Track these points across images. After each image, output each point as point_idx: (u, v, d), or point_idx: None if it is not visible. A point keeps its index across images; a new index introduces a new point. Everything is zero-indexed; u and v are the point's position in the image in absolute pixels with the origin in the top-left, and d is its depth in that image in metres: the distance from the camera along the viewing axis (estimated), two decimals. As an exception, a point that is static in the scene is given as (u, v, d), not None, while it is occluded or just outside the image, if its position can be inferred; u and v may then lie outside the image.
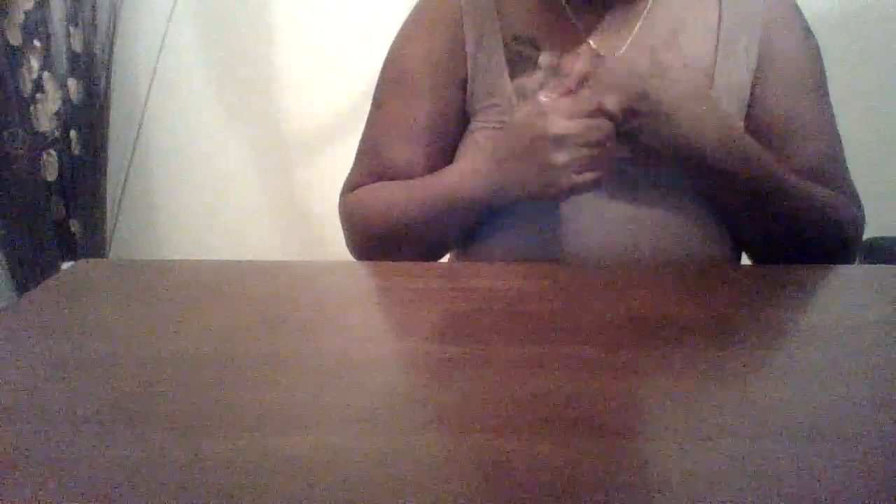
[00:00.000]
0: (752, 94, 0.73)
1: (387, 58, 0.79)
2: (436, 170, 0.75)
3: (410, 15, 0.79)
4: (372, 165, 0.78)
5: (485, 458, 0.35)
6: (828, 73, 0.79)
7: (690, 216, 0.70)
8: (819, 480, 0.34)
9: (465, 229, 0.73)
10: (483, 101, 0.74)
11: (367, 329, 0.54)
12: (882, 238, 1.78)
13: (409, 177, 0.75)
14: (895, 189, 1.75)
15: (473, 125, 0.75)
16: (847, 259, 0.74)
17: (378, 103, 0.79)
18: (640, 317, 0.53)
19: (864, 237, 1.90)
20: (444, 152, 0.77)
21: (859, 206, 0.75)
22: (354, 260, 0.78)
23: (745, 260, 0.76)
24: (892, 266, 0.68)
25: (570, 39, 0.73)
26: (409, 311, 0.56)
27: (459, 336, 0.50)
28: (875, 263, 1.69)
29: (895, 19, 1.66)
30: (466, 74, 0.75)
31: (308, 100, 1.77)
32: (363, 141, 0.80)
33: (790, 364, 0.46)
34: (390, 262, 0.70)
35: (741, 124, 0.73)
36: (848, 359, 0.47)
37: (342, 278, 0.66)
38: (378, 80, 0.79)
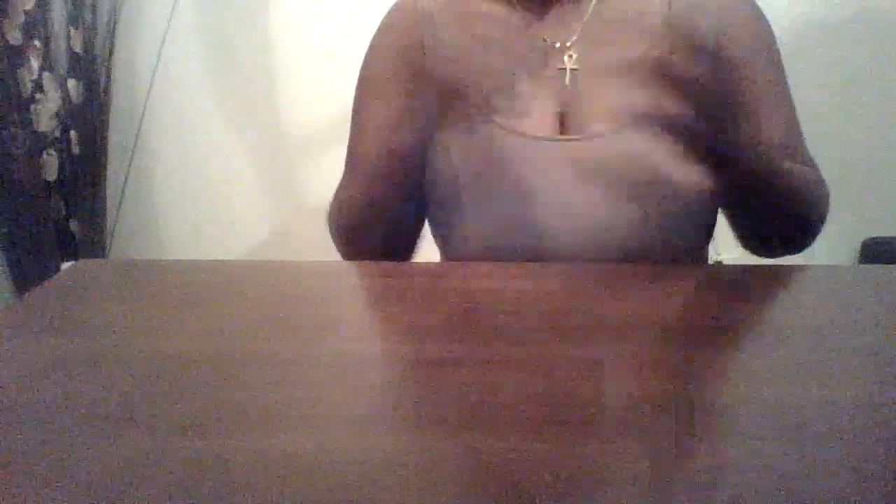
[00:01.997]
0: (712, 79, 0.74)
1: (359, 72, 0.82)
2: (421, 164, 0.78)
3: (375, 31, 0.82)
4: (353, 173, 0.81)
5: (484, 458, 0.35)
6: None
7: (664, 210, 0.71)
8: (818, 480, 0.34)
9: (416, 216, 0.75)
10: (446, 101, 0.76)
11: (367, 329, 0.54)
12: (882, 238, 1.78)
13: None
14: (895, 189, 1.76)
15: (440, 123, 0.77)
16: (817, 231, 0.78)
17: (355, 114, 0.82)
18: (639, 317, 0.53)
19: (864, 237, 1.90)
20: (423, 146, 0.79)
21: (822, 176, 0.80)
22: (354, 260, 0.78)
23: (741, 260, 0.76)
24: (891, 266, 0.68)
25: (523, 34, 0.76)
26: (409, 311, 0.56)
27: (459, 336, 0.50)
28: (875, 263, 1.69)
29: (893, 20, 1.66)
30: (430, 79, 0.77)
31: (308, 100, 1.78)
32: (347, 151, 0.82)
33: (789, 364, 0.46)
34: (390, 263, 0.70)
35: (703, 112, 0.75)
36: (847, 359, 0.47)
37: (342, 278, 0.66)
38: (354, 94, 0.82)
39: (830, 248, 1.86)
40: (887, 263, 0.87)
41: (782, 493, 0.33)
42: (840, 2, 1.67)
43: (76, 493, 0.33)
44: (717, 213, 0.77)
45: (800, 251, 0.81)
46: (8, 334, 0.52)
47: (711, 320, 0.53)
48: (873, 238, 1.74)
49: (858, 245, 1.75)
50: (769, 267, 0.67)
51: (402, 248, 0.82)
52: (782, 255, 0.82)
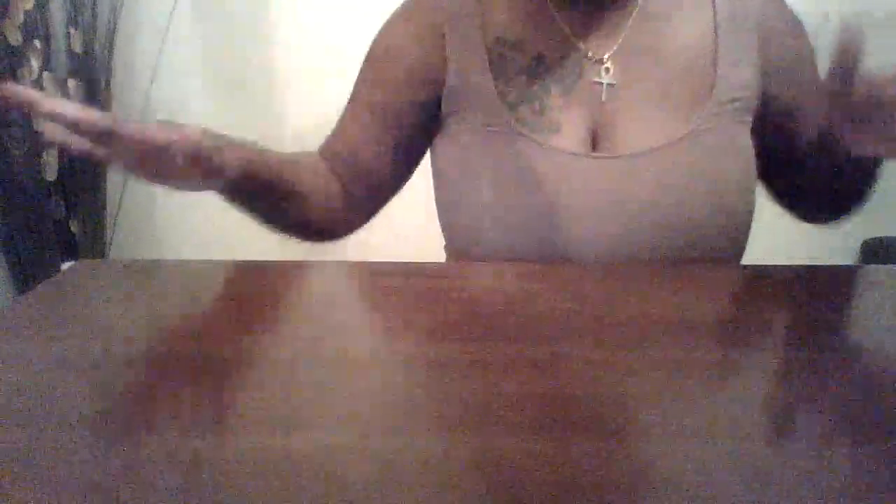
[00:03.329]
0: (762, 93, 0.74)
1: (369, 46, 0.81)
2: (388, 158, 0.78)
3: (397, 9, 0.80)
4: (331, 141, 0.81)
5: (485, 458, 0.35)
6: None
7: (699, 233, 0.69)
8: (818, 481, 0.34)
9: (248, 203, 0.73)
10: (466, 102, 0.74)
11: (367, 329, 0.54)
12: (882, 238, 1.78)
13: (360, 158, 0.78)
14: (895, 189, 1.75)
15: (455, 126, 0.75)
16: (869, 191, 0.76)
17: (354, 87, 0.81)
18: (640, 317, 0.53)
19: (864, 237, 1.90)
20: (400, 144, 0.78)
21: None
22: (353, 260, 0.78)
23: (743, 260, 0.76)
24: (891, 266, 0.68)
25: (556, 42, 0.73)
26: (409, 311, 0.56)
27: (459, 336, 0.50)
28: (875, 263, 1.69)
29: (892, 19, 1.66)
30: (443, 75, 0.75)
31: (308, 99, 1.78)
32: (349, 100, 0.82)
33: (790, 364, 0.46)
34: (390, 263, 0.70)
35: (748, 128, 0.73)
36: (848, 358, 0.47)
37: (342, 278, 0.66)
38: (363, 62, 0.81)
39: (830, 248, 1.86)
40: (887, 263, 0.87)
41: (782, 493, 0.33)
42: (841, 1, 1.67)
43: (76, 494, 0.33)
44: (749, 230, 0.75)
45: (847, 215, 0.80)
46: (8, 334, 0.52)
47: (711, 320, 0.53)
48: (873, 238, 1.74)
49: (858, 245, 1.75)
50: (769, 267, 0.67)
51: (337, 218, 0.80)
52: (827, 219, 0.82)
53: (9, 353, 0.48)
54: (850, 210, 0.79)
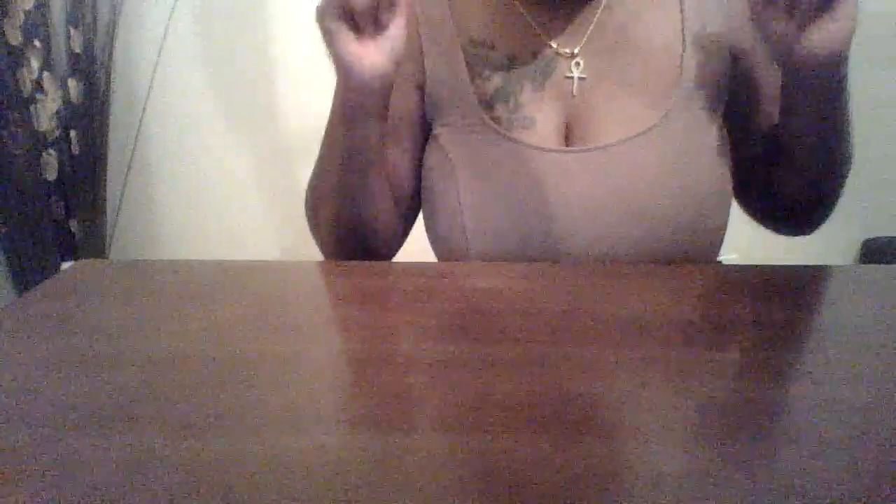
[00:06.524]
0: (734, 84, 0.75)
1: None
2: (404, 168, 0.79)
3: None
4: None
5: (485, 458, 0.35)
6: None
7: (675, 222, 0.70)
8: (818, 481, 0.34)
9: (367, 143, 0.71)
10: (444, 104, 0.75)
11: (367, 329, 0.54)
12: (882, 238, 1.78)
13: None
14: (895, 189, 1.76)
15: (437, 129, 0.76)
16: (836, 196, 0.77)
17: None
18: (640, 317, 0.53)
19: (864, 237, 1.90)
20: (410, 152, 0.79)
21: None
22: (354, 260, 0.78)
23: (740, 260, 0.76)
24: (891, 266, 0.68)
25: (526, 39, 0.74)
26: (409, 311, 0.56)
27: (459, 336, 0.50)
28: (875, 263, 1.69)
29: (890, 20, 1.66)
30: (424, 79, 0.76)
31: (308, 99, 1.78)
32: None
33: (790, 364, 0.46)
34: (390, 263, 0.70)
35: (719, 116, 0.75)
36: (848, 359, 0.47)
37: (342, 278, 0.66)
38: None
39: (830, 248, 1.86)
40: (887, 263, 0.87)
41: (782, 493, 0.33)
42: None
43: (76, 493, 0.33)
44: (728, 215, 0.76)
45: (815, 227, 0.80)
46: (8, 334, 0.52)
47: (710, 320, 0.53)
48: (873, 238, 1.74)
49: (858, 245, 1.75)
50: (769, 267, 0.67)
51: (378, 247, 0.79)
52: (798, 228, 0.82)
53: (9, 353, 0.48)
54: (812, 217, 0.80)
